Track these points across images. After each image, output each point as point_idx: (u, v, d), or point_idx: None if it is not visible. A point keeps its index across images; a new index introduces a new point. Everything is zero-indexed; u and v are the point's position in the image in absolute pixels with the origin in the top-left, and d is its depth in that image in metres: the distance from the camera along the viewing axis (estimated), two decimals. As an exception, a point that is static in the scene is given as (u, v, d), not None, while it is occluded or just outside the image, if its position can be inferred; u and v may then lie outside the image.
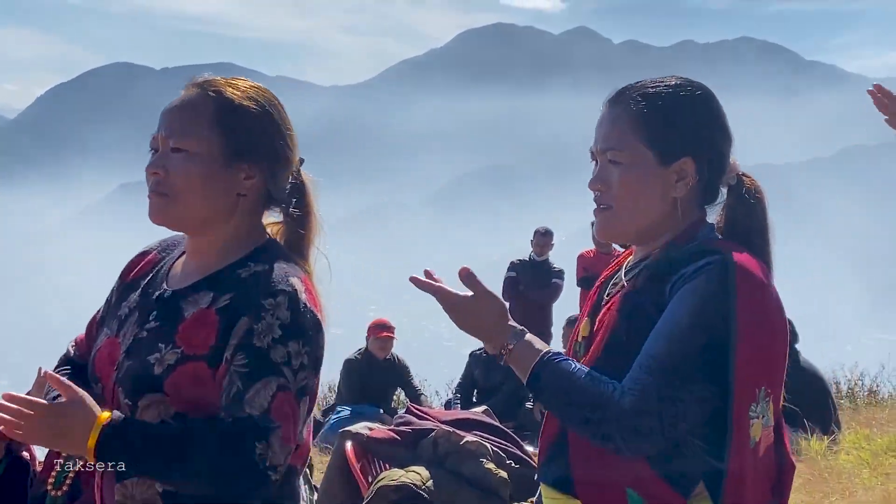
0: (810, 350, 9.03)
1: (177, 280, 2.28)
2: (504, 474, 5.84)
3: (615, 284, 2.37)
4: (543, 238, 11.58)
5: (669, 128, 2.25)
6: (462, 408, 10.37)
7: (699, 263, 2.13)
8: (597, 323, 2.31)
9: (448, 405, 10.72)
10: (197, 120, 2.21)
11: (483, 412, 7.52)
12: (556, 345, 10.32)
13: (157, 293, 2.26)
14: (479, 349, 10.78)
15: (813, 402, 8.51)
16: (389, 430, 6.12)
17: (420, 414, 6.36)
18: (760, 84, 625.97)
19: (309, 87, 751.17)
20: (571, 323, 10.30)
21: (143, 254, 2.44)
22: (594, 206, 2.27)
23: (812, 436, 8.11)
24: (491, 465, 5.83)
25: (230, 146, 2.20)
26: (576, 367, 2.16)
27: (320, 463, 7.18)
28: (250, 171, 2.23)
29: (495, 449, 6.00)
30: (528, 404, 9.89)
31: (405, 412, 6.51)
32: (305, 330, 2.11)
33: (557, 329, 11.14)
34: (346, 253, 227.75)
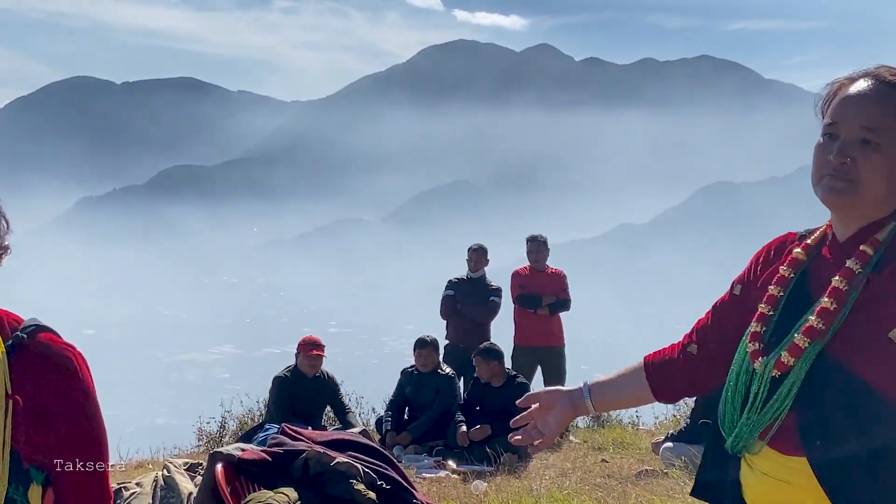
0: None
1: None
2: (373, 495, 5.83)
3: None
4: (475, 254, 11.44)
5: None
6: (394, 426, 10.27)
7: None
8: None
9: (379, 423, 10.60)
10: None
11: (360, 433, 7.39)
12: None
13: None
14: (410, 366, 10.64)
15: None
16: (262, 451, 6.05)
17: (294, 435, 6.29)
18: (719, 101, 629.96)
19: (270, 103, 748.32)
20: (483, 353, 10.05)
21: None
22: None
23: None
24: (360, 486, 5.82)
25: None
26: None
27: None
28: None
29: (366, 470, 5.97)
30: (461, 424, 9.72)
31: (279, 433, 6.41)
32: None
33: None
34: (307, 269, 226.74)
